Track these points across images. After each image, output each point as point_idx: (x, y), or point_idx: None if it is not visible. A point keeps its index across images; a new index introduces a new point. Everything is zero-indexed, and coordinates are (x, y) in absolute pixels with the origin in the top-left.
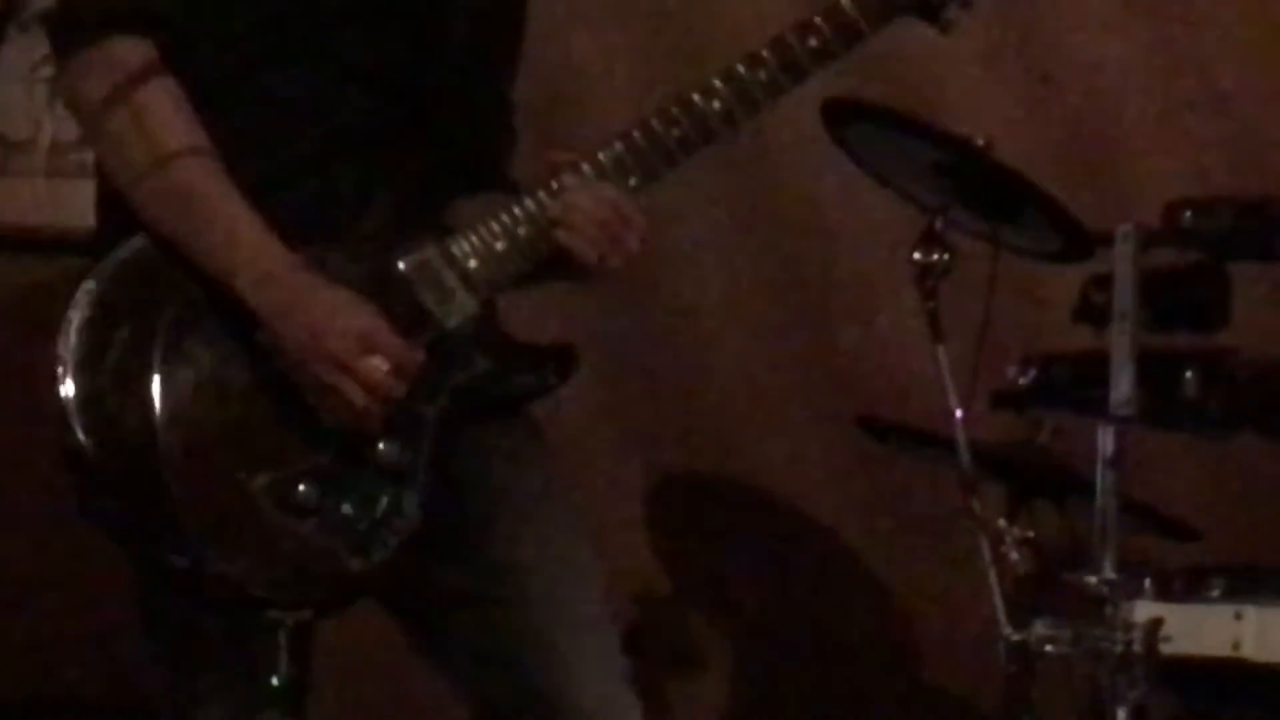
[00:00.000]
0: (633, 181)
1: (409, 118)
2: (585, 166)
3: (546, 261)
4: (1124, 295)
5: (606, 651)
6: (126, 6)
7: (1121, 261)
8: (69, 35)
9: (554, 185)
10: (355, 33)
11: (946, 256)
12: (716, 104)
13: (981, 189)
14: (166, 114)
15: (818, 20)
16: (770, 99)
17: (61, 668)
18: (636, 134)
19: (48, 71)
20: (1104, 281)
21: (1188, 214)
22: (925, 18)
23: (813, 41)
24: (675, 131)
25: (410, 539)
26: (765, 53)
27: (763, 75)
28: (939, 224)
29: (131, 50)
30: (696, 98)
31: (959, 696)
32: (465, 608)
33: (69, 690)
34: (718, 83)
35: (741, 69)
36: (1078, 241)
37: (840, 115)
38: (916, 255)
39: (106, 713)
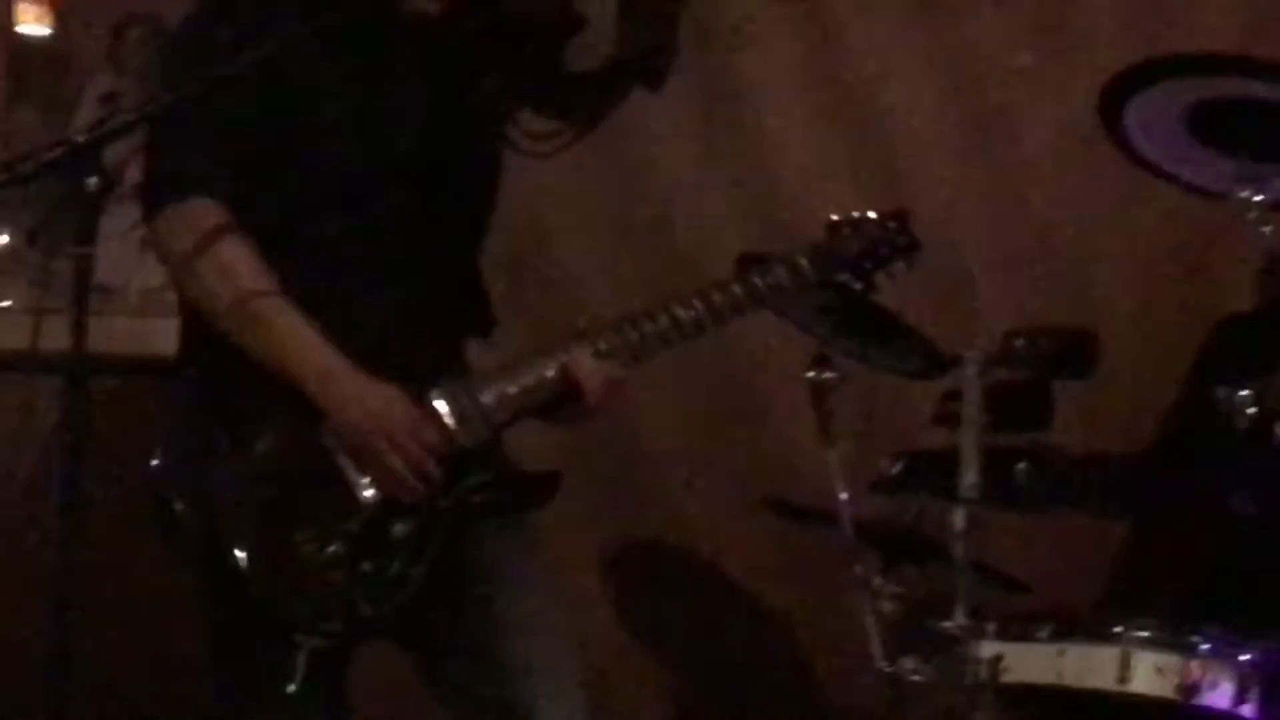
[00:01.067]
0: (623, 360)
1: (415, 259)
2: (601, 342)
3: (544, 409)
4: (971, 405)
5: (568, 680)
6: (194, 176)
7: (969, 379)
8: (155, 200)
9: (565, 358)
10: (383, 192)
11: (835, 375)
12: (699, 310)
13: (861, 323)
14: (240, 261)
15: (780, 268)
16: (736, 316)
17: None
18: (644, 322)
19: (138, 233)
20: (956, 394)
21: (1019, 341)
22: (858, 279)
23: (775, 279)
24: (669, 324)
25: (412, 598)
26: (733, 284)
27: (736, 294)
28: (827, 348)
29: (204, 210)
30: (681, 306)
31: (850, 712)
32: (464, 652)
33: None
34: (697, 300)
35: (715, 293)
36: (935, 363)
37: (747, 263)
38: (809, 375)
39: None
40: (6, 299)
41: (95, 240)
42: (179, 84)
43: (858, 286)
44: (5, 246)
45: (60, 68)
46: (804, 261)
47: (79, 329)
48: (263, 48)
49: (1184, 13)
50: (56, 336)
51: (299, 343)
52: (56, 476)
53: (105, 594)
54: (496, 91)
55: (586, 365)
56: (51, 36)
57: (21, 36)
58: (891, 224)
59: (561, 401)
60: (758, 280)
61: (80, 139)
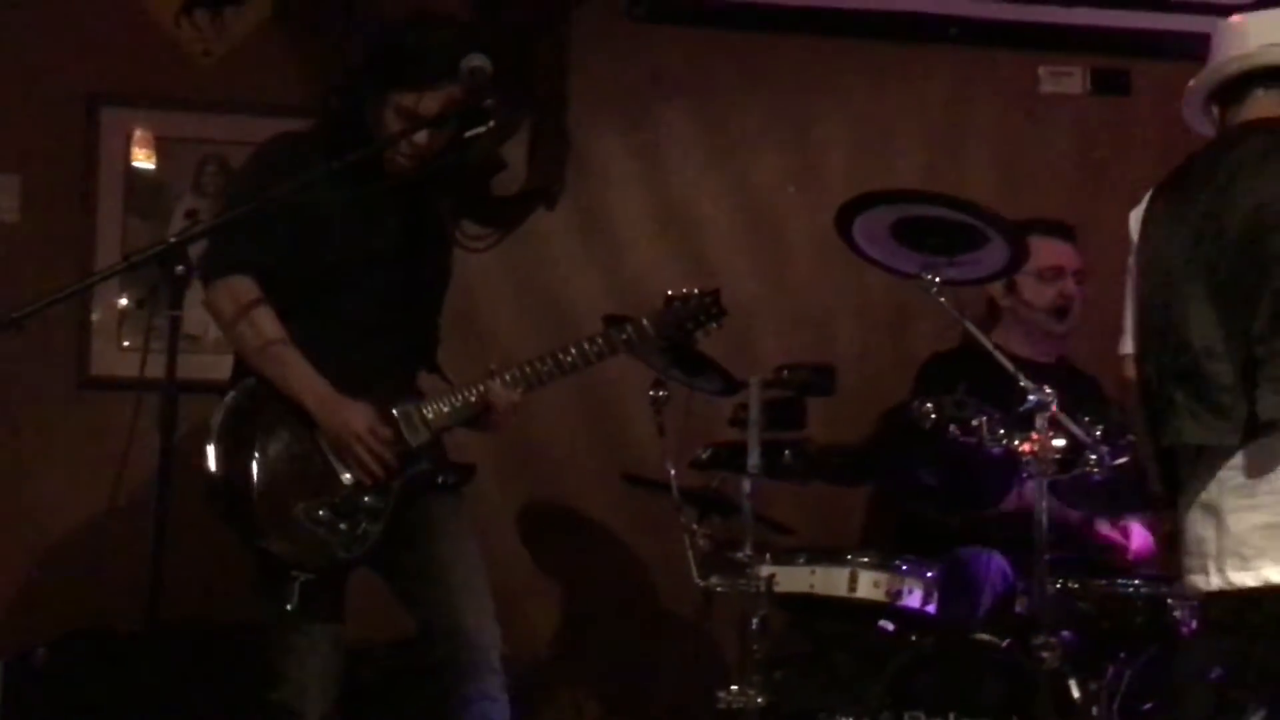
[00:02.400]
0: (522, 388)
1: (397, 324)
2: (508, 374)
3: (470, 421)
4: (755, 412)
5: (482, 600)
6: (237, 259)
7: (753, 395)
8: (207, 276)
9: (482, 387)
10: (371, 278)
11: (667, 393)
12: (574, 355)
13: (685, 361)
14: (264, 320)
15: (631, 328)
16: (600, 359)
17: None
18: (536, 363)
19: None
20: (744, 406)
21: (785, 371)
22: (682, 336)
23: (626, 335)
24: (552, 364)
25: (375, 545)
26: (599, 337)
27: (600, 345)
28: (663, 376)
29: (243, 285)
30: (562, 353)
31: (676, 615)
32: (415, 576)
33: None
34: (573, 348)
35: (586, 343)
36: (731, 385)
37: (609, 322)
38: (651, 392)
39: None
40: (126, 340)
41: (182, 305)
42: (234, 204)
43: (684, 341)
44: (127, 307)
45: (160, 191)
46: (647, 324)
47: (171, 362)
48: (292, 184)
49: (888, 162)
50: (157, 368)
51: (299, 374)
52: (156, 462)
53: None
54: (448, 209)
55: (496, 392)
56: (155, 169)
57: (135, 169)
58: (707, 298)
59: (480, 416)
60: (616, 335)
61: (172, 240)
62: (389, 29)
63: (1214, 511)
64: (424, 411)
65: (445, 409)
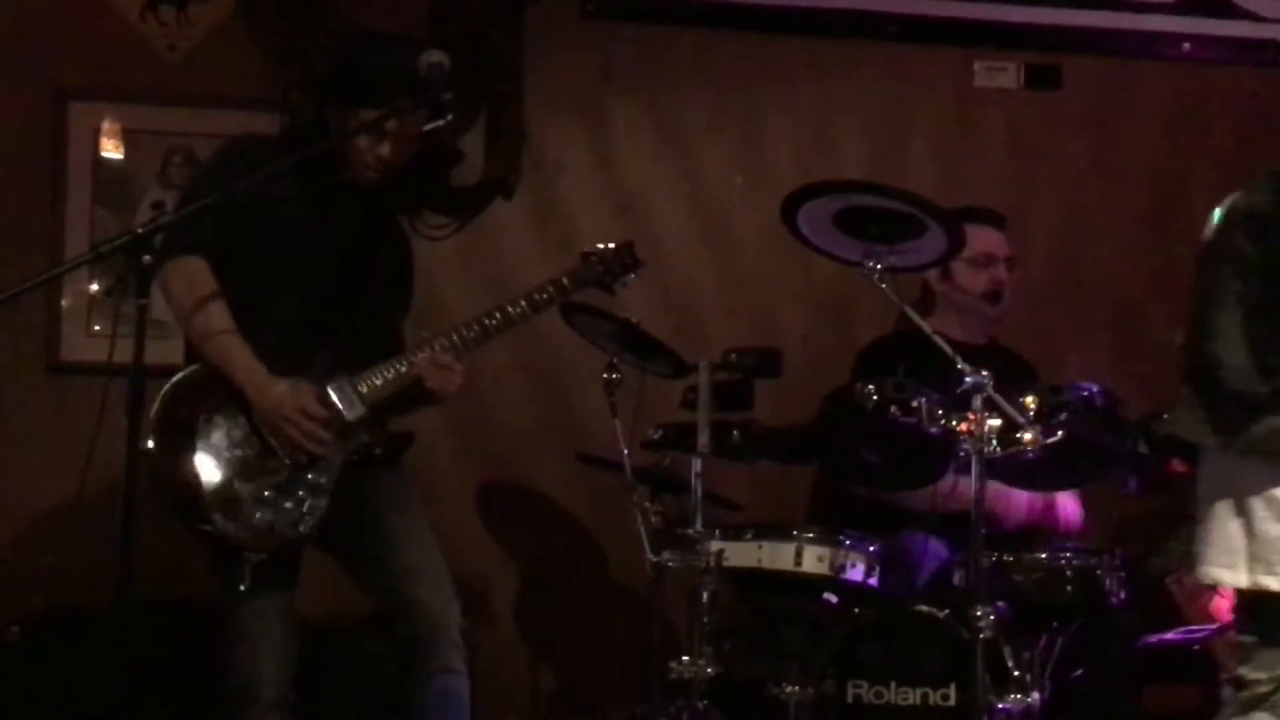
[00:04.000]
0: (460, 348)
1: (349, 320)
2: (438, 343)
3: (408, 392)
4: (704, 394)
5: (440, 576)
6: (193, 241)
7: (703, 378)
8: (163, 255)
9: (416, 355)
10: (323, 275)
11: (620, 376)
12: (498, 318)
13: (637, 345)
14: (215, 309)
15: (550, 285)
16: (525, 320)
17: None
18: (462, 329)
19: None
20: (694, 388)
21: (733, 355)
22: (603, 289)
23: (548, 294)
24: (478, 328)
25: (321, 522)
26: (525, 297)
27: (522, 306)
28: (615, 359)
29: (196, 265)
30: (486, 317)
31: (629, 589)
32: (367, 558)
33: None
34: (496, 311)
35: (509, 306)
36: (682, 369)
37: (572, 310)
38: (605, 375)
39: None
40: (96, 325)
41: (149, 294)
42: (199, 196)
43: (605, 291)
44: (97, 293)
45: (127, 182)
46: (566, 280)
47: (139, 349)
48: (251, 180)
49: (832, 154)
50: (125, 353)
51: (236, 356)
52: (124, 445)
53: (156, 521)
54: (409, 200)
55: (424, 362)
56: (122, 161)
57: (104, 159)
58: (622, 250)
59: (419, 389)
60: (538, 294)
61: (139, 230)
62: (349, 49)
63: (1246, 513)
64: (358, 386)
65: (378, 381)
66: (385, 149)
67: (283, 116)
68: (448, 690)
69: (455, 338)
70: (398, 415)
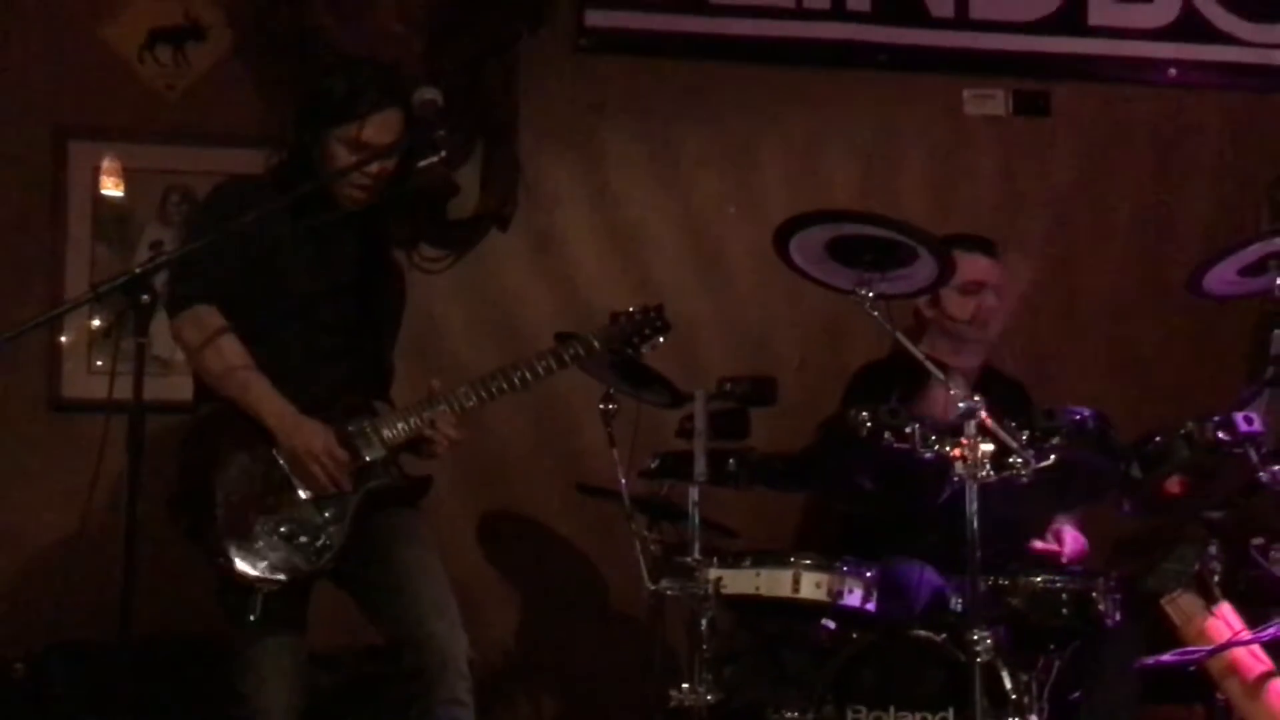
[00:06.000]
0: (483, 401)
1: (352, 349)
2: (459, 396)
3: (415, 443)
4: (700, 422)
5: (448, 607)
6: (201, 290)
7: (699, 407)
8: (172, 309)
9: (427, 413)
10: (324, 305)
11: (616, 406)
12: (524, 374)
13: (634, 375)
14: (231, 349)
15: (579, 344)
16: (550, 374)
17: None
18: (488, 383)
19: None
20: (690, 417)
21: (728, 384)
22: (631, 350)
23: (575, 351)
24: (504, 384)
25: (335, 558)
26: (550, 354)
27: (549, 362)
28: (612, 390)
29: (208, 313)
30: (512, 371)
31: (629, 617)
32: (380, 589)
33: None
34: (524, 368)
35: (535, 362)
36: (678, 398)
37: (560, 338)
38: (601, 406)
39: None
40: (98, 361)
41: (148, 331)
42: (196, 238)
43: (631, 355)
44: (98, 330)
45: (126, 220)
46: (595, 341)
47: (138, 386)
48: (249, 218)
49: (823, 182)
50: (126, 389)
51: (261, 394)
52: (125, 480)
53: (157, 555)
54: (406, 234)
55: (441, 423)
56: (123, 197)
57: (104, 197)
58: (652, 313)
59: (423, 440)
60: (564, 351)
61: (138, 271)
62: (319, 73)
63: None
64: (381, 430)
65: (400, 427)
66: (372, 165)
67: (269, 154)
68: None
69: (484, 393)
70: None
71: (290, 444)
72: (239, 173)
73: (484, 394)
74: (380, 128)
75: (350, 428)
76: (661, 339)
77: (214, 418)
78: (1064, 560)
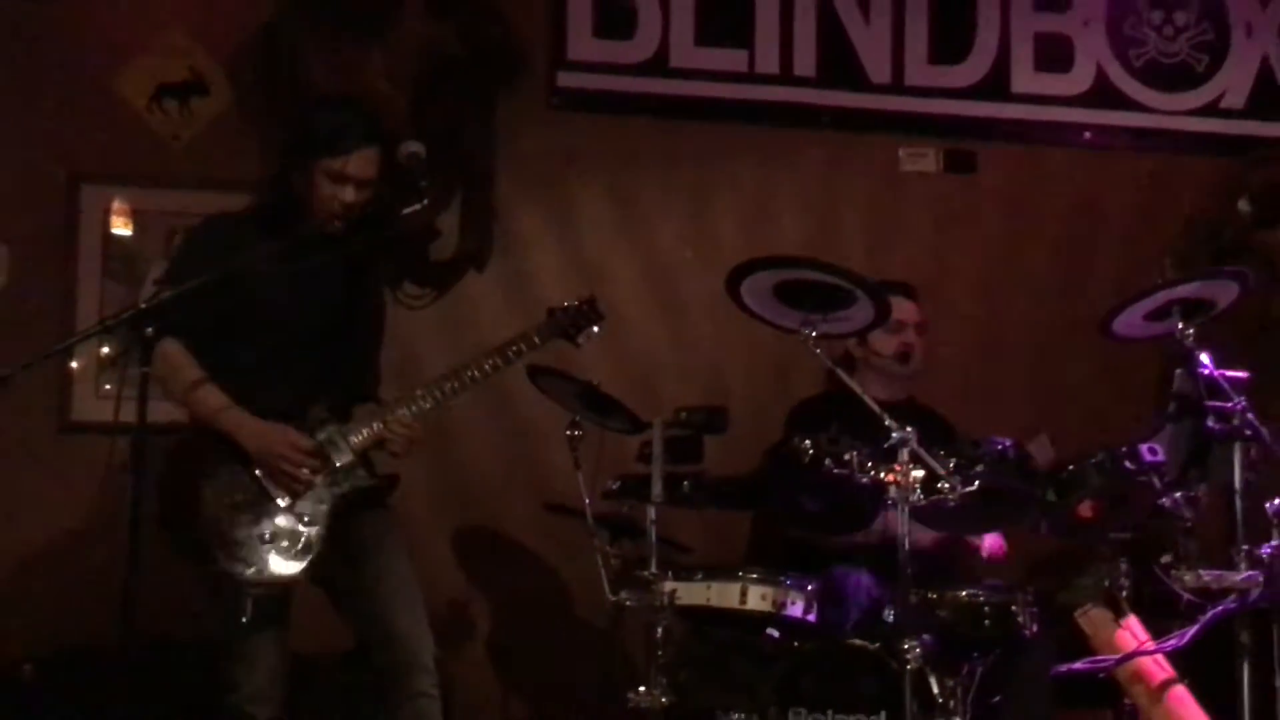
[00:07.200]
0: (440, 402)
1: (325, 367)
2: (418, 397)
3: (381, 444)
4: (658, 448)
5: (415, 607)
6: (168, 326)
7: (657, 434)
8: (149, 342)
9: (388, 417)
10: (310, 331)
11: (582, 432)
12: (474, 372)
13: (598, 404)
14: (189, 374)
15: (520, 340)
16: (497, 372)
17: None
18: (443, 384)
19: None
20: (649, 443)
21: (684, 414)
22: (569, 340)
23: (518, 347)
24: (456, 383)
25: (317, 559)
26: (498, 352)
27: (495, 360)
28: (578, 417)
29: (170, 346)
30: (463, 370)
31: (590, 625)
32: (353, 592)
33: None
34: (473, 366)
35: (484, 360)
36: (638, 426)
37: (538, 373)
38: (568, 432)
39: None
40: (107, 386)
41: (151, 361)
42: (180, 271)
43: (571, 344)
44: (106, 357)
45: (134, 258)
46: (535, 336)
47: (142, 410)
48: (236, 257)
49: (772, 231)
50: (129, 412)
51: (220, 407)
52: (128, 495)
53: (157, 566)
54: (392, 273)
55: (393, 425)
56: (131, 237)
57: (114, 236)
58: (585, 306)
59: (385, 441)
60: (509, 349)
61: (143, 305)
62: (305, 111)
63: None
64: (348, 436)
65: (365, 432)
66: (348, 193)
67: (257, 192)
68: (421, 714)
69: (437, 393)
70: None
71: (255, 446)
72: (209, 215)
73: (438, 394)
74: (362, 163)
75: (319, 436)
76: (596, 328)
77: (191, 442)
78: (983, 555)
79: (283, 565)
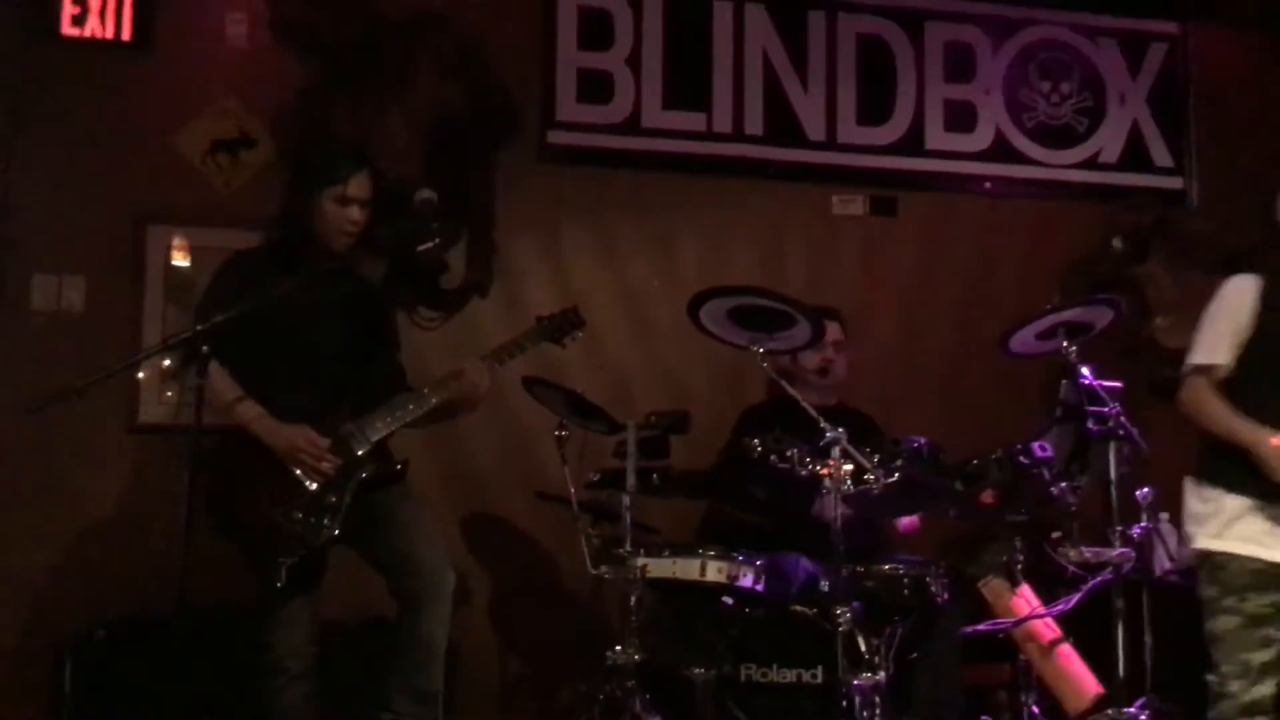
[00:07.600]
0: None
1: (356, 377)
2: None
3: (434, 414)
4: (631, 446)
5: (436, 542)
6: (214, 348)
7: (630, 434)
8: (204, 358)
9: (414, 404)
10: (332, 346)
11: (569, 432)
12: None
13: (581, 409)
14: (225, 386)
15: (513, 343)
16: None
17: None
18: (429, 389)
19: None
20: (624, 442)
21: (653, 417)
22: (555, 343)
23: (510, 351)
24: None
25: (340, 531)
26: (493, 354)
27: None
28: (564, 420)
29: (214, 367)
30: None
31: (576, 595)
32: (381, 541)
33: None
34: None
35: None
36: (615, 427)
37: (531, 382)
38: (556, 432)
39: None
40: (168, 393)
41: (207, 374)
42: (204, 312)
43: (558, 346)
44: (168, 369)
45: (192, 287)
46: (526, 342)
47: (198, 416)
48: (251, 287)
49: (728, 265)
50: (187, 416)
51: (251, 416)
52: (185, 485)
53: (209, 547)
54: (407, 299)
55: (468, 378)
56: (189, 268)
57: (174, 267)
58: (569, 313)
59: (438, 415)
60: (504, 353)
61: (198, 328)
62: (304, 152)
63: None
64: (365, 430)
65: (380, 424)
66: (354, 212)
67: (269, 230)
68: (431, 634)
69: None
70: (437, 422)
71: (279, 446)
72: (232, 253)
73: (454, 384)
74: (360, 184)
75: (341, 431)
76: (579, 332)
77: (235, 442)
78: (900, 530)
79: (310, 539)
